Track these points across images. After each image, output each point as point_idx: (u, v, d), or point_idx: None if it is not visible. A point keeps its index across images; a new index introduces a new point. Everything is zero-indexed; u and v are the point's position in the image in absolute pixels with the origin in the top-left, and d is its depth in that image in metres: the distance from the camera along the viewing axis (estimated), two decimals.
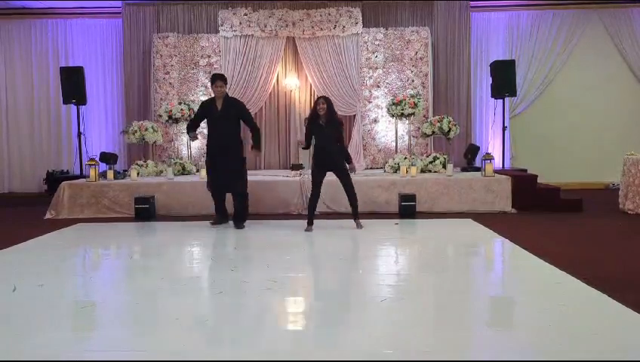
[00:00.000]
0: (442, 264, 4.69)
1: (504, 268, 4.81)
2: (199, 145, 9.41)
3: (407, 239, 5.87)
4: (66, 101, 9.14)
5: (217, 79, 6.16)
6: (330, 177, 6.01)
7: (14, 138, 10.31)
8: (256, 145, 6.27)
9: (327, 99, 5.94)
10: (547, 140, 10.13)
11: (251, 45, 9.32)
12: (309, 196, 6.09)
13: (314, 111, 5.90)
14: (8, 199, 9.82)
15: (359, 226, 6.02)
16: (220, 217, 6.43)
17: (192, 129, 6.32)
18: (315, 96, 9.53)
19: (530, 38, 10.10)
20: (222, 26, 9.31)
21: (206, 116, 6.28)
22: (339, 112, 9.44)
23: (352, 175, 6.05)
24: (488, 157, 7.52)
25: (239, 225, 6.19)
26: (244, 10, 9.30)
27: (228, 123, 6.09)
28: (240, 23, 9.26)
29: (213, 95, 6.27)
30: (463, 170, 8.62)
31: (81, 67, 9.18)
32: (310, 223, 6.01)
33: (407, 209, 6.85)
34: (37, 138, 10.27)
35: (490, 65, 9.38)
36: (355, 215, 6.08)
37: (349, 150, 9.32)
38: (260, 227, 6.29)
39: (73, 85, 8.96)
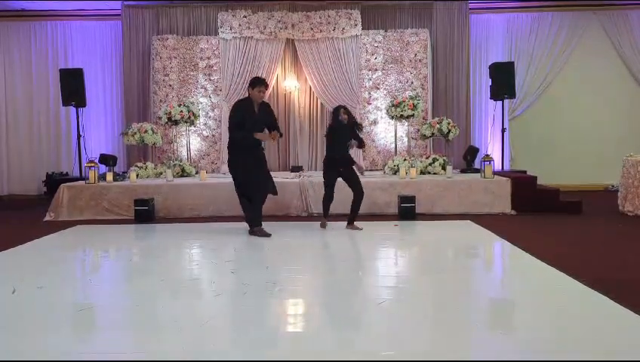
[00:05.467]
0: (442, 265, 4.69)
1: (503, 270, 4.80)
2: (199, 146, 9.43)
3: (407, 241, 5.87)
4: (65, 103, 9.15)
5: (262, 85, 5.81)
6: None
7: (14, 140, 10.31)
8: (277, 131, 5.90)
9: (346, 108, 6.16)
10: (546, 142, 10.15)
11: (251, 47, 9.33)
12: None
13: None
14: (8, 201, 9.82)
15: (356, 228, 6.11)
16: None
17: (249, 132, 5.72)
18: (315, 98, 9.58)
19: (529, 39, 10.12)
20: (221, 27, 9.32)
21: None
22: None
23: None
24: (487, 158, 7.52)
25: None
26: (243, 12, 9.32)
27: (262, 127, 5.87)
28: (239, 25, 9.28)
29: (248, 96, 5.85)
30: (463, 171, 8.63)
31: (81, 69, 9.19)
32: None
33: (407, 210, 6.85)
34: (36, 140, 10.27)
35: (490, 67, 9.40)
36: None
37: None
38: None
39: (73, 87, 8.97)
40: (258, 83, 5.81)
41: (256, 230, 5.84)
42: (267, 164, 6.06)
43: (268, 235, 5.75)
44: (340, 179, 6.06)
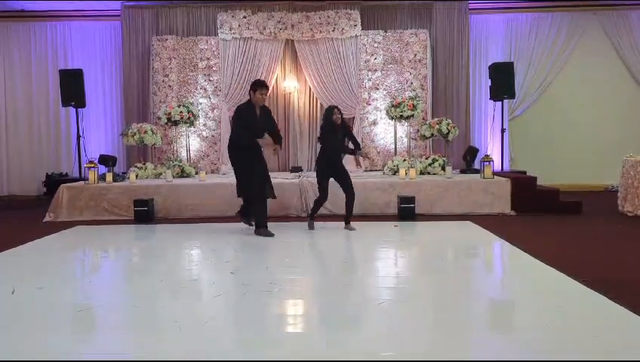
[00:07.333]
0: (441, 266, 4.69)
1: (503, 271, 4.80)
2: (199, 146, 9.43)
3: (407, 241, 5.87)
4: (65, 103, 9.15)
5: (264, 87, 5.84)
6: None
7: (13, 140, 10.31)
8: (278, 142, 6.00)
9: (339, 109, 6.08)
10: (546, 142, 10.15)
11: (250, 47, 9.33)
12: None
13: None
14: (8, 201, 9.82)
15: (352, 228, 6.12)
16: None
17: (255, 137, 5.79)
18: (315, 99, 9.59)
19: (528, 40, 10.13)
20: (221, 28, 9.32)
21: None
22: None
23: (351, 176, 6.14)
24: (487, 159, 7.52)
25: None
26: (242, 12, 9.32)
27: (263, 131, 5.88)
28: (239, 26, 9.28)
29: (250, 100, 5.83)
30: (462, 172, 8.63)
31: (81, 69, 9.19)
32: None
33: (407, 211, 6.85)
34: (36, 140, 10.27)
35: (489, 68, 9.40)
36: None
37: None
38: None
39: (72, 88, 8.98)
40: (260, 86, 5.80)
41: (261, 230, 5.86)
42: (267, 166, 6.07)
43: (271, 235, 5.79)
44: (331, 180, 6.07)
